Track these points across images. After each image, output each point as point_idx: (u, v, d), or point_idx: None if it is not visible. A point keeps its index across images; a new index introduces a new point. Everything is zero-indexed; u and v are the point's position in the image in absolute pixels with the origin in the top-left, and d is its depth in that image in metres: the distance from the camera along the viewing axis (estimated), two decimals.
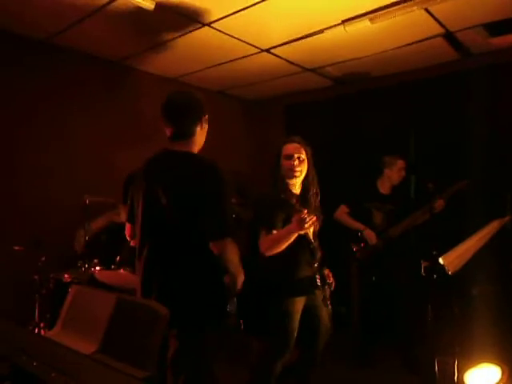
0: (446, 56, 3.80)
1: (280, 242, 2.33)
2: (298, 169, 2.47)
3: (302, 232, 2.29)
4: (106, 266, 2.83)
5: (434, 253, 2.16)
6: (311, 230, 2.49)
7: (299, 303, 2.45)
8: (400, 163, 3.56)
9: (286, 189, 2.49)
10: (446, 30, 3.29)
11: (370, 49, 3.70)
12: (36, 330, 2.93)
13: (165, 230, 1.81)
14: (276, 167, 2.52)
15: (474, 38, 3.43)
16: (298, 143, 2.54)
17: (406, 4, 2.85)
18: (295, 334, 2.43)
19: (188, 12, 3.06)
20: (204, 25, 3.25)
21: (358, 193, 3.34)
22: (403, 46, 3.59)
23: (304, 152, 2.52)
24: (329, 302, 2.55)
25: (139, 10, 2.96)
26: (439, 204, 3.18)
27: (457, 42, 3.53)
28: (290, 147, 2.52)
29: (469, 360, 2.39)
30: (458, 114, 3.81)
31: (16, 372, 1.04)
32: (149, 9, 2.90)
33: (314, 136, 2.94)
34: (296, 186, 2.53)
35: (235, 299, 1.99)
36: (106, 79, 4.05)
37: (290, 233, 2.29)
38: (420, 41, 3.49)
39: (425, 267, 2.23)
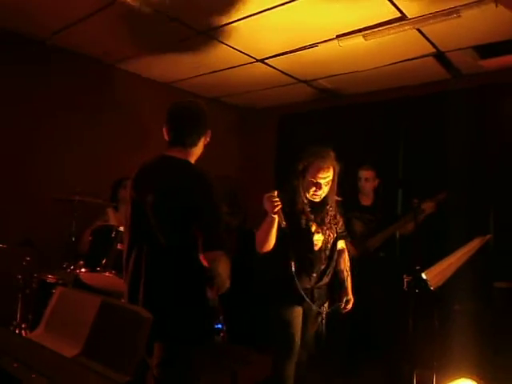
0: (436, 75, 3.88)
1: (263, 232, 2.25)
2: (320, 194, 2.42)
3: (274, 214, 2.16)
4: (91, 268, 2.81)
5: (417, 267, 2.20)
6: (321, 238, 2.43)
7: (296, 310, 2.40)
8: (360, 173, 3.63)
9: (302, 197, 2.44)
10: (438, 49, 3.37)
11: (363, 64, 3.77)
12: (17, 331, 2.90)
13: (151, 238, 1.77)
14: (299, 177, 2.44)
15: (465, 59, 3.51)
16: (330, 163, 2.43)
17: (399, 23, 2.92)
18: (297, 338, 2.39)
19: (185, 19, 3.09)
20: (200, 32, 3.29)
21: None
22: (395, 63, 3.67)
23: (332, 172, 2.43)
24: (323, 321, 2.46)
25: (137, 14, 2.99)
26: (429, 206, 3.14)
27: (447, 62, 3.61)
28: (320, 172, 2.40)
29: (447, 374, 2.42)
30: (447, 131, 3.88)
31: None
32: (147, 13, 2.93)
33: (305, 147, 2.97)
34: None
35: (221, 317, 1.92)
36: (100, 81, 4.05)
37: (267, 218, 2.21)
38: (411, 59, 3.57)
39: (407, 281, 2.27)
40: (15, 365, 1.05)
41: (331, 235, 2.47)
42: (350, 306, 2.52)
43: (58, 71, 3.77)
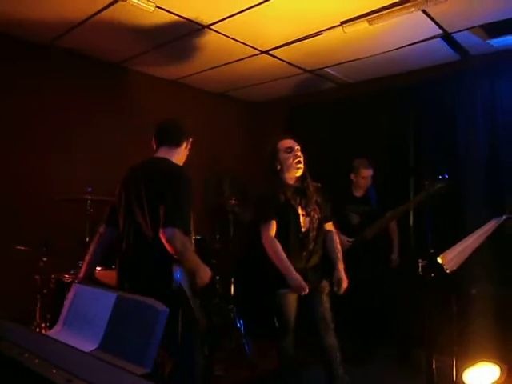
0: (444, 57, 3.81)
1: (277, 264, 2.44)
2: (301, 159, 2.55)
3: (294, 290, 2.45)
4: (106, 266, 2.85)
5: (432, 251, 2.17)
6: (306, 220, 2.53)
7: (291, 295, 2.51)
8: (363, 172, 3.61)
9: (284, 182, 2.57)
10: (445, 31, 3.31)
11: (369, 50, 3.72)
12: (38, 330, 2.95)
13: (136, 228, 2.08)
14: (272, 162, 2.57)
15: (473, 39, 3.44)
16: (293, 139, 2.62)
17: (403, 6, 2.87)
18: (290, 321, 2.55)
19: (188, 14, 3.08)
20: (204, 27, 3.28)
21: (336, 196, 3.50)
22: (402, 47, 3.61)
23: (299, 145, 2.60)
24: (324, 298, 2.56)
25: (139, 12, 2.99)
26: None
27: (455, 43, 3.54)
28: (288, 141, 2.60)
29: (467, 359, 2.39)
30: (459, 115, 3.82)
31: (17, 369, 1.06)
32: (149, 10, 2.92)
33: (315, 138, 2.96)
34: (293, 179, 2.59)
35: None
36: (106, 81, 4.08)
37: (286, 275, 2.41)
38: (418, 42, 3.51)
39: (422, 266, 2.25)
40: (36, 361, 1.07)
41: (316, 216, 2.57)
42: (344, 286, 2.57)
43: (64, 74, 3.80)
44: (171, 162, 2.17)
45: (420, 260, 2.26)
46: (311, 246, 2.55)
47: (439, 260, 2.11)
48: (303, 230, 2.52)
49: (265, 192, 2.60)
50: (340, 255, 2.65)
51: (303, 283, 2.39)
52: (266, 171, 2.61)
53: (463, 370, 2.36)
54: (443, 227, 3.11)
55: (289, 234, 2.49)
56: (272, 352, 3.65)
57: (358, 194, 3.69)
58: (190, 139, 2.32)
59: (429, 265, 2.19)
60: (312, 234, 2.55)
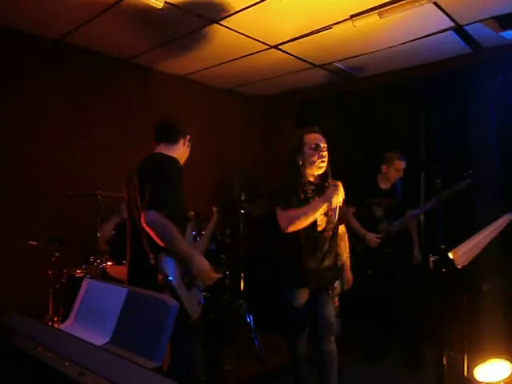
0: (456, 50, 3.76)
1: (305, 215, 2.33)
2: (325, 159, 2.46)
3: (329, 204, 2.32)
4: (117, 261, 2.88)
5: (443, 246, 2.16)
6: (323, 219, 2.45)
7: (302, 293, 2.49)
8: (397, 164, 3.54)
9: (304, 179, 2.49)
10: (456, 23, 3.26)
11: (380, 44, 3.68)
12: (50, 324, 2.99)
13: (132, 220, 2.15)
14: (296, 157, 2.47)
15: (485, 31, 3.38)
16: (320, 133, 2.52)
17: None
18: (299, 320, 2.53)
19: (196, 9, 3.08)
20: (212, 22, 3.27)
21: (359, 189, 3.45)
22: (413, 40, 3.56)
23: (325, 142, 2.51)
24: (336, 299, 2.53)
25: (148, 8, 2.99)
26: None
27: (467, 35, 3.49)
28: (316, 137, 2.49)
29: (478, 355, 2.38)
30: (470, 109, 3.76)
31: (31, 362, 1.08)
32: (157, 7, 2.93)
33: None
34: (314, 176, 2.52)
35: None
36: (115, 77, 4.09)
37: (319, 203, 2.32)
38: (430, 35, 3.46)
39: (433, 261, 2.23)
40: (49, 354, 1.09)
41: (333, 216, 2.46)
42: (350, 285, 2.64)
43: (74, 70, 3.82)
44: (163, 154, 2.19)
45: (431, 255, 2.24)
46: (326, 247, 2.47)
47: (450, 255, 2.09)
48: (319, 229, 2.44)
49: (285, 184, 2.50)
50: (348, 257, 2.69)
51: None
52: (285, 163, 2.52)
53: (474, 367, 2.35)
54: (454, 223, 3.08)
55: (303, 232, 2.40)
56: (282, 347, 3.69)
57: (385, 186, 3.61)
58: (188, 136, 2.32)
59: (440, 260, 2.17)
60: (327, 234, 2.47)
